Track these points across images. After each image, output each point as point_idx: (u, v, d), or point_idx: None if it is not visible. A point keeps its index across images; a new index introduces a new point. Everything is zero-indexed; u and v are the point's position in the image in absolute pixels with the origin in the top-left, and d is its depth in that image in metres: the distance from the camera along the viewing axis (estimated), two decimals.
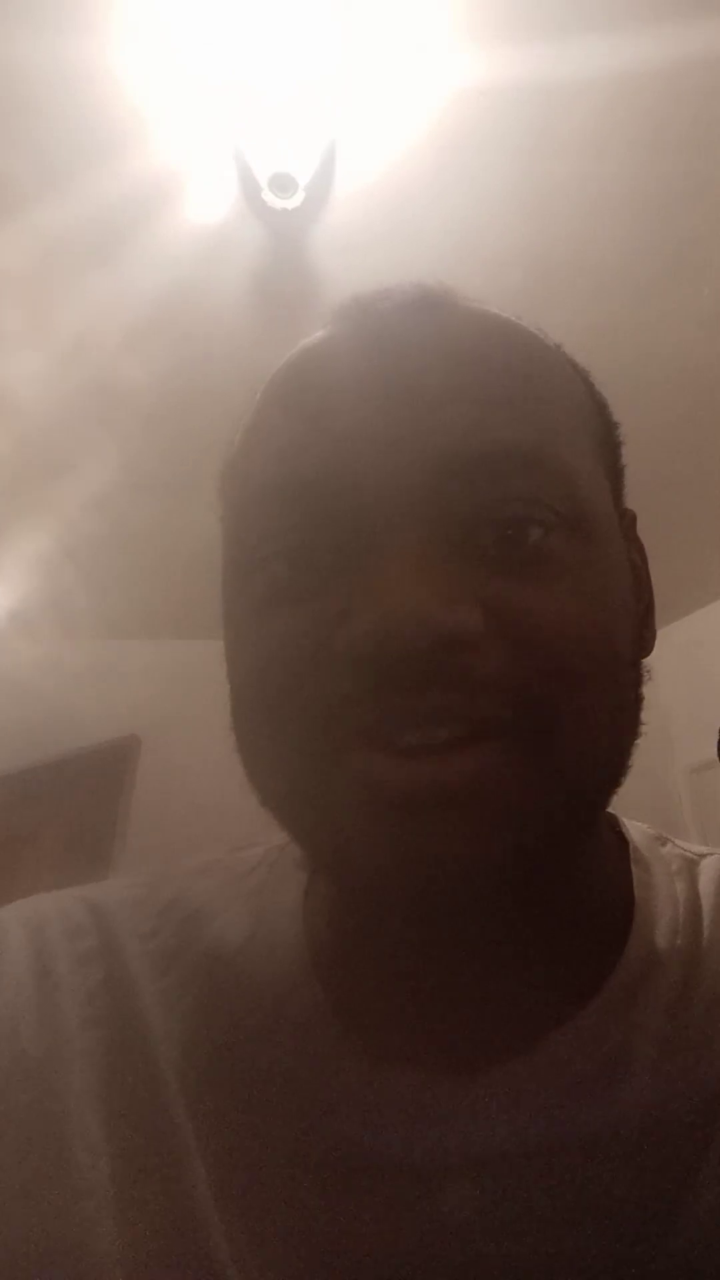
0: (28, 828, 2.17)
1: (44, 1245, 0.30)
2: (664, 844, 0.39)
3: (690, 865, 0.38)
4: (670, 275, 1.57)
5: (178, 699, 2.17)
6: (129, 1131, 0.32)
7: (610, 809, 0.37)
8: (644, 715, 0.33)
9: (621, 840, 0.38)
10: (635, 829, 0.39)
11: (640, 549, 0.37)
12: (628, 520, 0.37)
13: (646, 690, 0.34)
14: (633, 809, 0.40)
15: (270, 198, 1.35)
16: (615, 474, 0.36)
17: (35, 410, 1.74)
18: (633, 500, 0.38)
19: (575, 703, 0.29)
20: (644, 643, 0.35)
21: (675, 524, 1.78)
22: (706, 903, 0.36)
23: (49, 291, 1.53)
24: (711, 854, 0.39)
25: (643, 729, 0.33)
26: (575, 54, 1.21)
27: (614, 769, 0.31)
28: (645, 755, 0.33)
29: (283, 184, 1.34)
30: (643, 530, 0.38)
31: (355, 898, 0.33)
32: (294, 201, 1.36)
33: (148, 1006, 0.35)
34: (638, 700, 0.33)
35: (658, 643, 0.37)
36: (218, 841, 0.44)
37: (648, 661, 0.35)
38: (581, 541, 0.31)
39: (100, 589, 2.23)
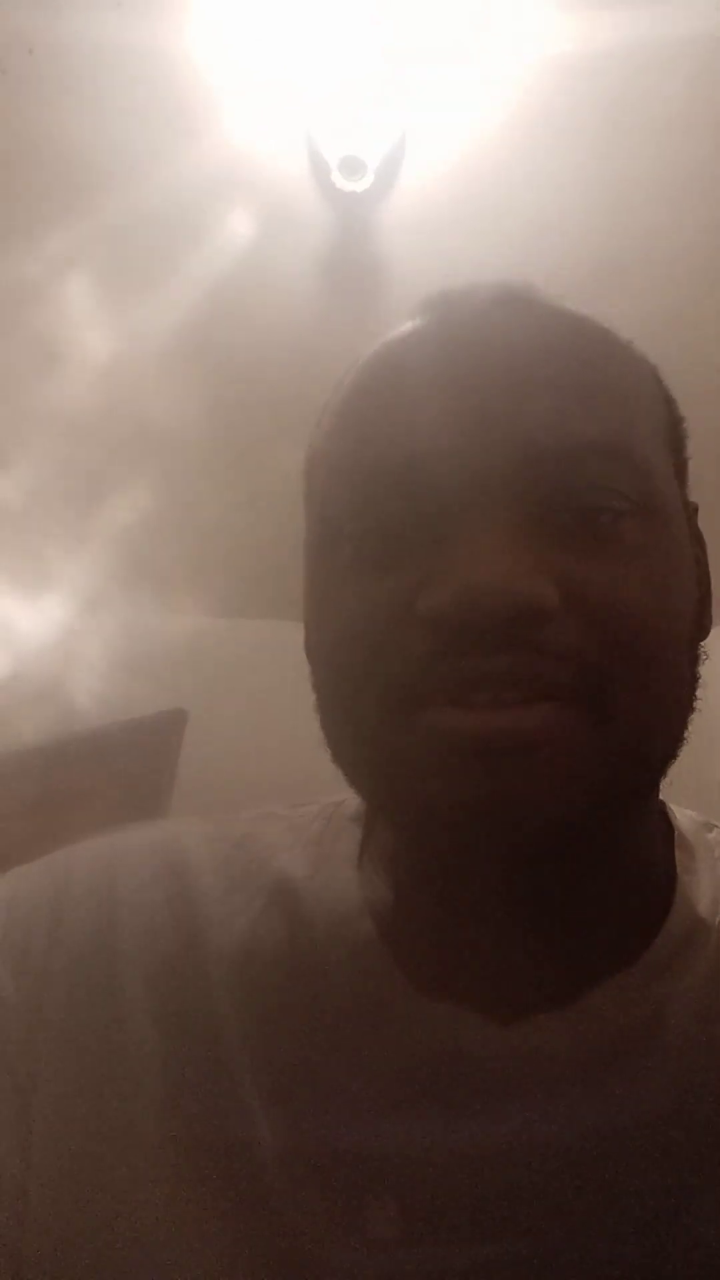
0: (72, 796, 2.21)
1: (95, 1137, 0.34)
2: (710, 830, 0.41)
3: None
4: None
5: (225, 676, 2.20)
6: (179, 1034, 0.36)
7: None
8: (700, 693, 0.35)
9: (668, 825, 0.40)
10: (683, 815, 0.41)
11: (701, 542, 0.39)
12: (689, 511, 0.38)
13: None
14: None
15: (339, 179, 1.35)
16: (680, 467, 0.38)
17: (102, 391, 1.76)
18: (698, 492, 0.39)
19: (637, 676, 0.31)
20: (701, 627, 0.37)
21: None
22: None
23: (122, 274, 1.55)
24: None
25: (698, 704, 0.35)
26: (660, 21, 1.16)
27: (670, 740, 0.34)
28: (688, 756, 0.35)
29: (352, 167, 1.34)
30: (705, 522, 0.39)
31: (428, 847, 0.35)
32: (363, 184, 1.35)
33: (207, 923, 0.39)
34: (694, 678, 0.35)
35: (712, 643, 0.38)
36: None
37: (705, 644, 0.37)
38: (653, 527, 0.33)
39: (155, 570, 2.26)
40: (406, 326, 0.37)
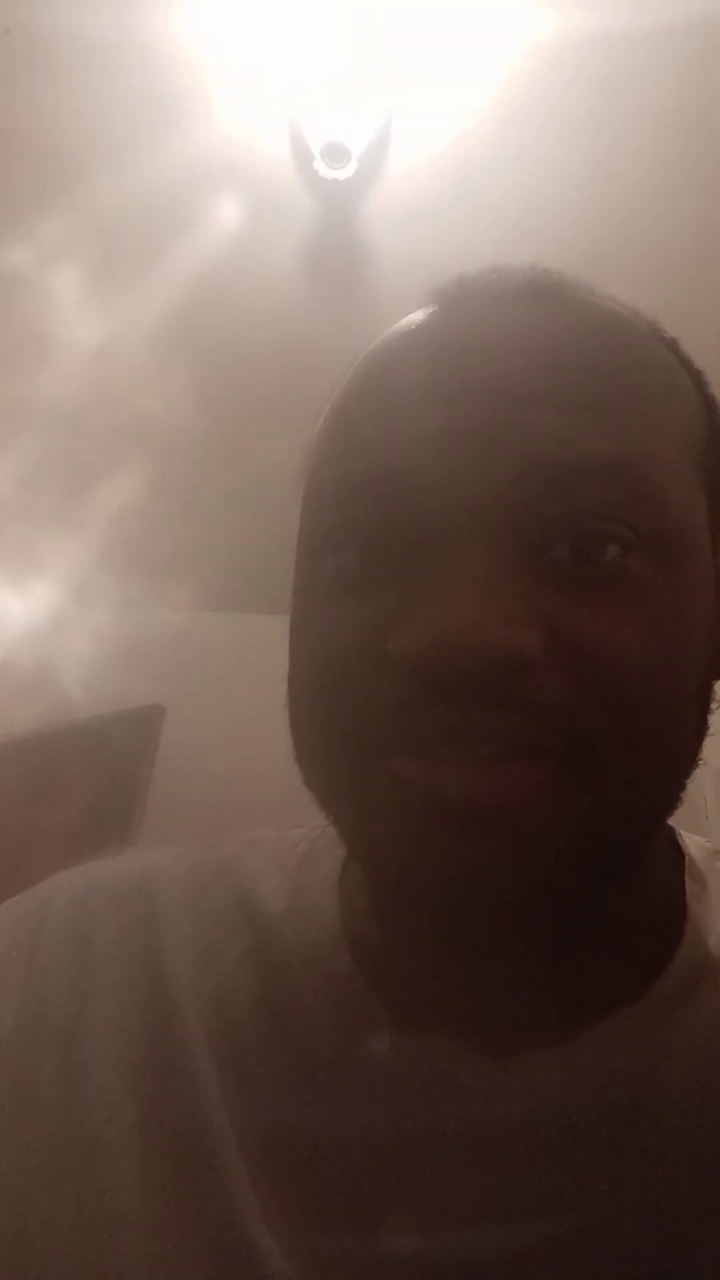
0: (51, 788, 2.20)
1: (63, 1200, 0.32)
2: None
3: None
4: None
5: (202, 671, 2.19)
6: (150, 1087, 0.34)
7: None
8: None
9: (678, 853, 0.38)
10: (693, 842, 0.39)
11: None
12: None
13: None
14: None
15: (323, 167, 1.33)
16: (716, 485, 0.34)
17: (88, 381, 1.74)
18: None
19: (628, 739, 0.28)
20: (718, 665, 0.33)
21: None
22: None
23: (105, 264, 1.53)
24: None
25: (701, 761, 0.31)
26: (650, 7, 1.15)
27: (666, 801, 0.31)
28: None
29: (336, 154, 1.32)
30: None
31: (391, 894, 0.33)
32: (346, 172, 1.34)
33: (183, 968, 0.37)
34: (700, 730, 0.32)
35: None
36: (237, 810, 0.45)
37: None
38: (661, 563, 0.29)
39: (143, 563, 2.25)
40: (412, 318, 0.34)
